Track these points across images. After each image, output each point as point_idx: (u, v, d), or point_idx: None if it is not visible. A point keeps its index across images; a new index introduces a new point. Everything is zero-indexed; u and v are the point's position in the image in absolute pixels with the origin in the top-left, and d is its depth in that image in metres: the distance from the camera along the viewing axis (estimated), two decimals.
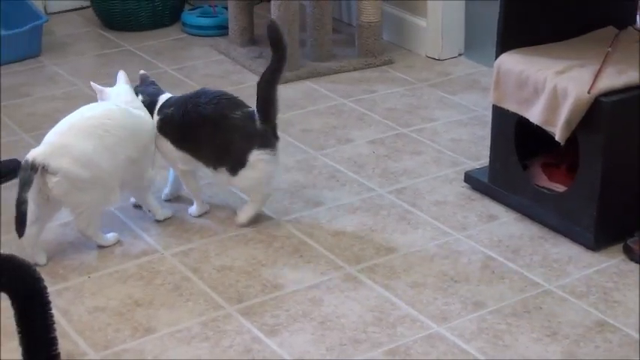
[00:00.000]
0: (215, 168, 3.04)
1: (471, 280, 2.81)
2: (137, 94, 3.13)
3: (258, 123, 2.97)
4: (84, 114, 2.98)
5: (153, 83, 3.21)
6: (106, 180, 2.92)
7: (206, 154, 3.04)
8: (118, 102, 3.05)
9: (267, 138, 2.99)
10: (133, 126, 3.01)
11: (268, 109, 2.98)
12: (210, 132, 3.01)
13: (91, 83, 3.13)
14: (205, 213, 3.16)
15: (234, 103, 3.04)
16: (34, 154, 2.83)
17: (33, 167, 2.80)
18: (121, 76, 3.14)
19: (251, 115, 2.99)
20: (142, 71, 3.27)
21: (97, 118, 2.96)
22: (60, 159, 2.84)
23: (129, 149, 2.98)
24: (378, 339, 2.57)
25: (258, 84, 2.98)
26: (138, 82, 3.20)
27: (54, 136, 2.92)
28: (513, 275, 2.83)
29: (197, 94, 3.08)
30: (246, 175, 3.00)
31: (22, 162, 2.84)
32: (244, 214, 3.09)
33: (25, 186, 2.78)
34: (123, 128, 2.97)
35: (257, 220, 3.11)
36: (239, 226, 3.08)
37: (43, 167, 2.81)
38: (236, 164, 2.99)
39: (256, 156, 2.98)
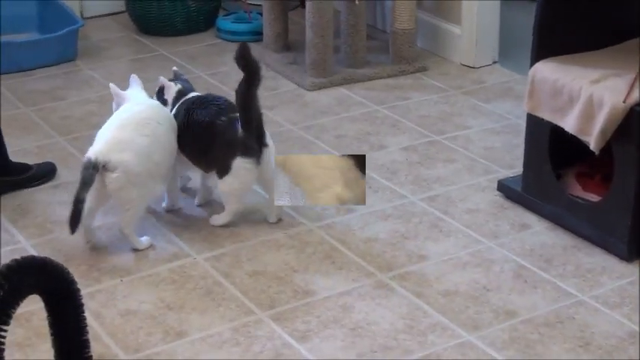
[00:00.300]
0: (207, 172, 3.11)
1: (503, 289, 2.80)
2: (175, 83, 3.21)
3: (240, 131, 2.99)
4: (133, 109, 3.04)
5: (186, 81, 3.26)
6: (156, 173, 2.98)
7: (198, 157, 3.12)
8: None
9: (250, 147, 3.01)
10: (170, 118, 3.10)
11: (248, 118, 2.99)
12: (199, 137, 3.07)
13: (110, 85, 3.17)
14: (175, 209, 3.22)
15: (223, 108, 3.07)
16: (95, 153, 2.87)
17: (95, 166, 2.83)
18: (135, 79, 3.20)
19: (235, 122, 3.01)
20: (174, 67, 3.34)
21: (148, 112, 3.03)
22: (120, 154, 2.88)
23: (173, 140, 3.07)
24: (409, 347, 2.56)
25: (235, 94, 3.01)
26: (172, 77, 3.26)
27: (110, 132, 2.96)
28: (546, 285, 2.81)
29: (196, 98, 3.15)
30: (229, 181, 3.04)
31: (84, 161, 2.87)
32: (218, 219, 3.13)
33: (85, 185, 2.82)
34: (167, 120, 3.06)
35: (289, 225, 3.12)
36: (212, 224, 3.12)
37: (104, 166, 2.84)
38: (221, 170, 3.04)
39: (238, 163, 3.01)
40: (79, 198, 2.81)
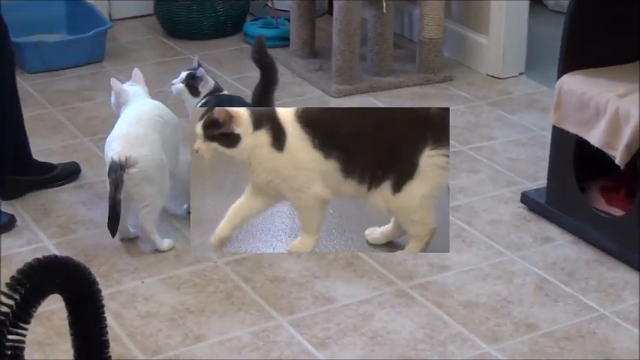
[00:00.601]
0: None
1: (524, 302, 2.78)
2: (211, 78, 3.23)
3: None
4: (142, 108, 3.09)
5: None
6: (168, 167, 3.01)
7: None
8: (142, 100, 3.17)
9: None
10: (173, 117, 3.16)
11: None
12: None
13: (112, 80, 3.18)
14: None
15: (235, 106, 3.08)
16: (117, 153, 2.90)
17: (121, 166, 2.87)
18: (137, 74, 3.23)
19: None
20: (196, 57, 3.35)
21: (154, 110, 3.09)
22: (139, 148, 2.93)
23: (177, 138, 3.14)
24: (428, 356, 2.55)
25: (253, 95, 3.04)
26: (195, 65, 3.25)
27: (125, 128, 2.99)
28: (567, 298, 2.80)
29: (220, 96, 3.18)
30: None
31: (109, 164, 2.89)
32: None
33: (117, 187, 2.86)
34: (171, 119, 3.13)
35: None
36: None
37: (125, 162, 2.87)
38: None
39: None
40: (114, 201, 2.86)
